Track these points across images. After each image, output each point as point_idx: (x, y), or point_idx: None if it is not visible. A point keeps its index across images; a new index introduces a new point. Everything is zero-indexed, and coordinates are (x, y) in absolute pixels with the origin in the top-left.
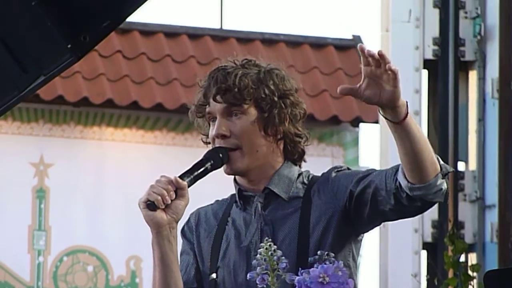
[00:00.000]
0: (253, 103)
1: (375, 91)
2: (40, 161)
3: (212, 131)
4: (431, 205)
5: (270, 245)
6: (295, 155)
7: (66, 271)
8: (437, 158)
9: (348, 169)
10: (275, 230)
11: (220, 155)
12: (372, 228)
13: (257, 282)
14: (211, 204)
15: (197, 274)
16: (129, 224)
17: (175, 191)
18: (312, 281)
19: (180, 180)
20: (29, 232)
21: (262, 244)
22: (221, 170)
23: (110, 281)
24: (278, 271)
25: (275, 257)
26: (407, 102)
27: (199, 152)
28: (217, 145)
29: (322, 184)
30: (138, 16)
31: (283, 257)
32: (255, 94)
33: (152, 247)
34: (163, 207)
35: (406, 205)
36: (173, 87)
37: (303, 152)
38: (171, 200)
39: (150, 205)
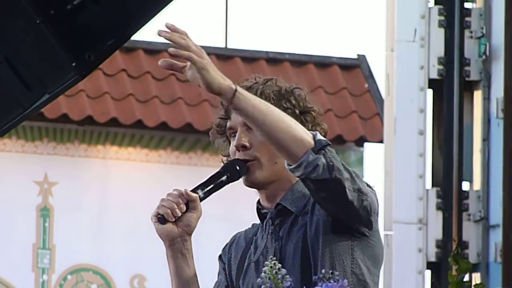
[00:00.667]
0: None
1: (195, 74)
2: (44, 180)
3: (233, 144)
4: (324, 184)
5: (274, 263)
6: None
7: None
8: (312, 135)
9: None
10: (283, 246)
11: (237, 167)
12: (346, 227)
13: None
14: (249, 228)
15: None
16: (133, 243)
17: (187, 204)
18: None
19: (191, 193)
20: (33, 251)
21: (266, 262)
22: (231, 188)
23: None
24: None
25: (279, 276)
26: (236, 87)
27: (203, 171)
28: (236, 157)
29: None
30: (142, 35)
31: (287, 276)
32: (277, 106)
33: (167, 260)
34: (174, 220)
35: (312, 189)
36: (178, 106)
37: None
38: (182, 213)
39: (160, 219)
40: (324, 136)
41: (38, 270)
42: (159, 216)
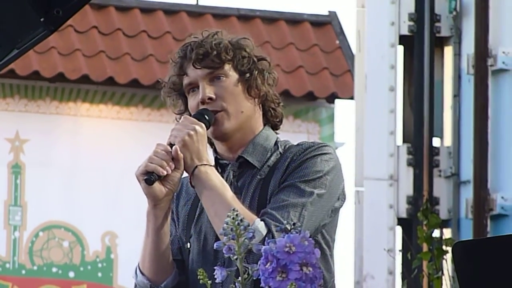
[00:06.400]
0: (233, 65)
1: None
2: (15, 137)
3: (195, 99)
4: None
5: (237, 214)
6: (277, 118)
7: (42, 247)
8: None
9: (325, 154)
10: (243, 199)
11: (206, 117)
12: None
13: (224, 251)
14: None
15: (180, 245)
16: (105, 200)
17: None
18: (279, 251)
19: (178, 151)
20: (4, 208)
21: (228, 213)
22: None
23: (86, 256)
24: (245, 240)
25: (241, 227)
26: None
27: None
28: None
29: (291, 157)
30: None
31: (249, 227)
32: (234, 55)
33: (147, 217)
34: (162, 178)
35: None
36: (149, 63)
37: (283, 116)
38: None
39: (147, 180)
40: (277, 81)
41: (10, 227)
42: (146, 178)
